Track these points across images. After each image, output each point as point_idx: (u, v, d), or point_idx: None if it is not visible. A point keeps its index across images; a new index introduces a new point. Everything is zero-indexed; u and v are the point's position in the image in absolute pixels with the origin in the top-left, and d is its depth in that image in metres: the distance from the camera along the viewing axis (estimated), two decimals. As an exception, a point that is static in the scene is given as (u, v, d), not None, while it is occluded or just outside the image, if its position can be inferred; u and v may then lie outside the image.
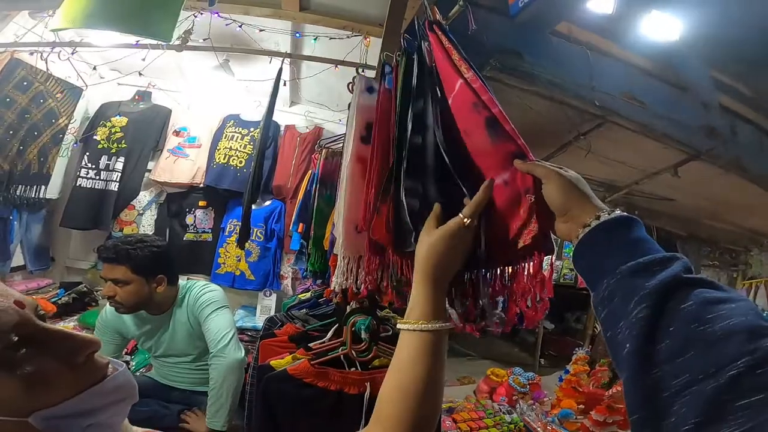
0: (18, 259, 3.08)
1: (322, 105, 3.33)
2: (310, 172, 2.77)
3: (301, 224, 2.70)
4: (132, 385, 0.50)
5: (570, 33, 2.84)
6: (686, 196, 4.10)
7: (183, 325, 1.90)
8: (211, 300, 1.89)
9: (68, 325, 2.64)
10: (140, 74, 2.67)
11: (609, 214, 0.55)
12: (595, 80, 3.00)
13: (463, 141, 0.78)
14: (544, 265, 0.67)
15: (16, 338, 0.41)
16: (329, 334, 1.34)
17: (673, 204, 4.32)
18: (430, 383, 0.64)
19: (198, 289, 1.95)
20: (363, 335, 1.18)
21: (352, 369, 1.20)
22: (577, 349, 2.76)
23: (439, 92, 0.86)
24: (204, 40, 2.14)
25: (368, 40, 2.09)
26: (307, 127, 3.37)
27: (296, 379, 1.14)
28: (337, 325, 1.36)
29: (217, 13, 2.01)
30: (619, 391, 2.12)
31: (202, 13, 1.98)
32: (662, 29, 2.92)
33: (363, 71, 1.18)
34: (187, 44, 2.06)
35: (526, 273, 0.67)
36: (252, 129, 3.28)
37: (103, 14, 1.16)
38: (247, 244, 3.18)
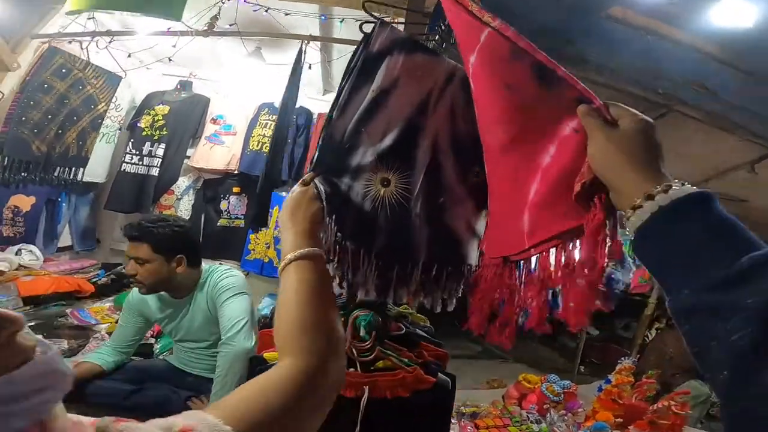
0: (66, 240, 3.28)
1: (355, 92, 3.23)
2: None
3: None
4: (61, 373, 0.44)
5: (625, 17, 2.59)
6: (763, 197, 3.66)
7: (201, 310, 1.89)
8: (229, 285, 1.86)
9: (104, 305, 2.75)
10: (170, 60, 2.69)
11: (666, 191, 0.41)
12: (658, 66, 2.74)
13: (506, 98, 0.66)
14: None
15: None
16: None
17: (747, 205, 3.87)
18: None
19: (219, 273, 1.93)
20: (362, 332, 1.07)
21: (351, 369, 1.10)
22: (623, 358, 2.53)
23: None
24: (231, 25, 2.11)
25: (396, 20, 1.96)
26: (339, 116, 3.30)
27: (288, 374, 1.05)
28: (343, 319, 1.26)
29: (245, -1, 1.97)
30: (666, 406, 1.91)
31: None
32: (734, 15, 2.60)
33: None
34: (214, 30, 2.04)
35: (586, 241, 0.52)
36: (286, 117, 3.27)
37: None
38: (276, 232, 3.19)
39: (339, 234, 0.86)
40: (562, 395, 2.36)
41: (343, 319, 1.23)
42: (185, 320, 1.92)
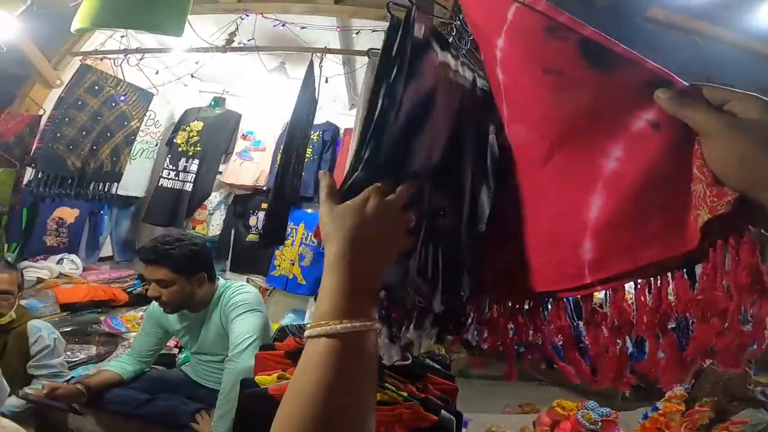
0: (107, 250, 3.46)
1: (382, 107, 3.22)
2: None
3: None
4: None
5: (667, 19, 2.44)
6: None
7: (215, 325, 1.89)
8: (242, 301, 1.86)
9: (136, 314, 2.85)
10: (192, 76, 2.80)
11: None
12: (710, 69, 2.55)
13: (546, 84, 0.52)
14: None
15: None
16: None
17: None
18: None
19: (233, 289, 1.93)
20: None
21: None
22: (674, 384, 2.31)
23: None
24: (248, 40, 2.16)
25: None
26: (366, 131, 3.29)
27: (276, 401, 1.00)
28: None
29: (261, 13, 2.02)
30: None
31: (248, 15, 1.99)
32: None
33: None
34: (233, 46, 2.09)
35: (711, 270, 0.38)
36: (312, 132, 3.29)
37: (112, 13, 1.19)
38: (301, 248, 3.20)
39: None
40: (600, 424, 2.19)
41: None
42: (200, 334, 1.93)
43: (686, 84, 0.41)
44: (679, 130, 0.40)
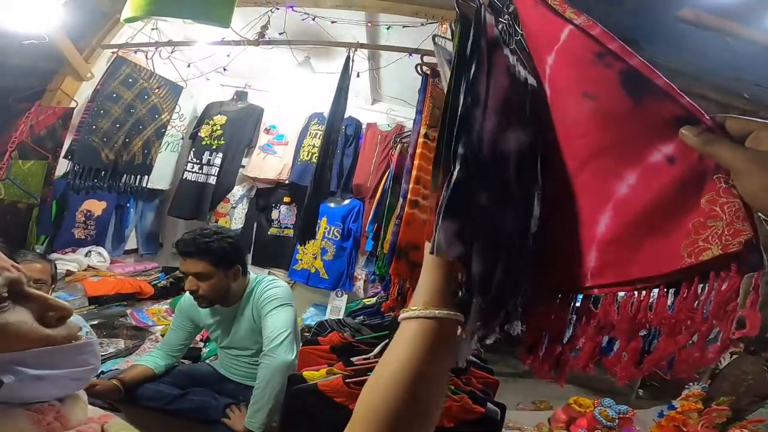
0: (132, 243, 3.49)
1: (404, 101, 3.20)
2: (389, 170, 2.66)
3: (376, 224, 2.60)
4: (95, 359, 0.55)
5: (699, 19, 2.39)
6: None
7: (247, 319, 1.90)
8: (275, 296, 1.85)
9: (161, 307, 2.88)
10: (224, 69, 2.79)
11: None
12: (741, 70, 2.49)
13: (584, 109, 0.56)
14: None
15: (6, 293, 0.49)
16: (376, 350, 1.19)
17: None
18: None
19: (266, 283, 1.93)
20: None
21: (393, 395, 1.02)
22: (690, 383, 2.31)
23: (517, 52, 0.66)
24: (280, 34, 2.15)
25: (445, 26, 1.89)
26: (389, 125, 3.28)
27: (326, 396, 1.00)
28: (387, 340, 1.19)
29: (291, 7, 2.00)
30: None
31: (278, 8, 1.97)
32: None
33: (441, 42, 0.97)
34: (265, 39, 2.08)
35: (704, 299, 0.43)
36: (337, 127, 3.29)
37: (163, 2, 1.18)
38: (323, 243, 3.19)
39: None
40: (617, 421, 2.19)
41: (386, 341, 1.17)
42: (231, 328, 1.94)
43: (711, 121, 0.43)
44: (692, 168, 0.44)
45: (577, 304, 0.61)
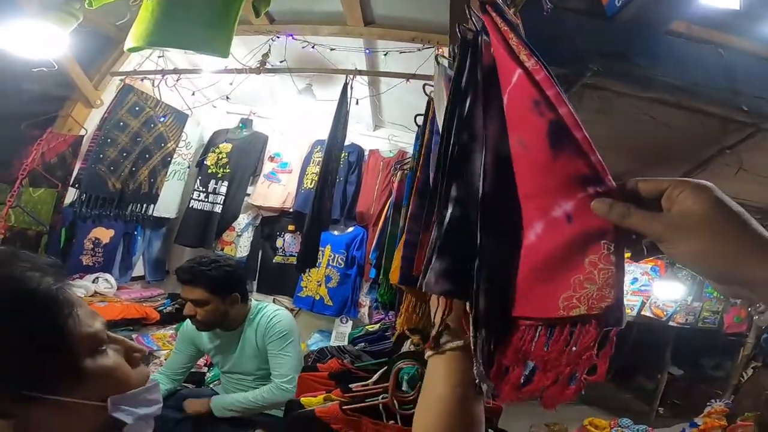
0: (139, 270, 3.53)
1: (405, 127, 3.25)
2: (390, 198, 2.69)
3: (378, 252, 2.61)
4: (160, 396, 0.60)
5: (690, 32, 2.41)
6: None
7: (251, 345, 1.92)
8: (283, 331, 1.89)
9: (167, 332, 2.89)
10: (227, 98, 2.87)
11: None
12: (737, 82, 2.50)
13: (517, 155, 0.58)
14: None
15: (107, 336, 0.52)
16: (374, 377, 1.18)
17: None
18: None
19: (271, 312, 1.97)
20: (404, 386, 1.00)
21: (391, 422, 1.02)
22: (713, 400, 2.24)
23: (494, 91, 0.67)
24: (281, 62, 2.23)
25: (441, 50, 1.96)
26: (391, 151, 3.33)
27: (323, 422, 1.00)
28: (386, 367, 1.19)
29: (291, 35, 2.09)
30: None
31: (278, 37, 2.06)
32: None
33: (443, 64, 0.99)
34: (265, 67, 2.16)
35: (569, 345, 0.48)
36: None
37: (163, 33, 1.25)
38: (327, 270, 3.21)
39: None
40: None
41: (385, 368, 1.17)
42: (234, 352, 1.96)
43: (611, 181, 0.46)
44: (584, 228, 0.47)
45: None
